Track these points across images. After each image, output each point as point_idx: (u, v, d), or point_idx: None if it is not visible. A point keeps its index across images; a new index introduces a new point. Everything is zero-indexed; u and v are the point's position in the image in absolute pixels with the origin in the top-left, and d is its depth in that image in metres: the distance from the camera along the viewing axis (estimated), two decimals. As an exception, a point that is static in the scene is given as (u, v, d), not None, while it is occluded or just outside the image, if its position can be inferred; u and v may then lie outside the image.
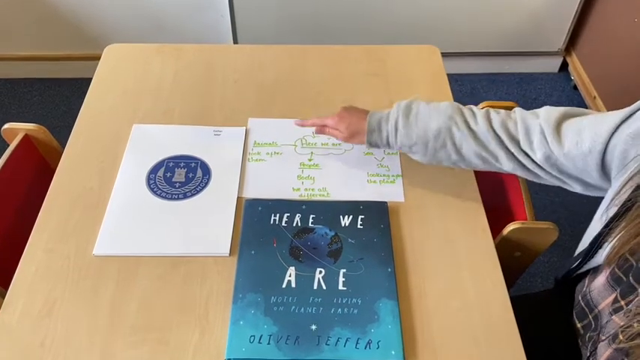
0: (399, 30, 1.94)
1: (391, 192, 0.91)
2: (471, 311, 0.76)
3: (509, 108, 1.08)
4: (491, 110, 0.82)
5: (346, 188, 0.91)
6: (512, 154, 0.79)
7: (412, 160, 0.96)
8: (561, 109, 0.77)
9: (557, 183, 0.81)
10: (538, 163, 0.78)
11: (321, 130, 0.94)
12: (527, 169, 0.80)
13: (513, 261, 0.92)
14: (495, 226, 0.88)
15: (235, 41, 1.93)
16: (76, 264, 0.80)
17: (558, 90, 2.07)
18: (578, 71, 2.02)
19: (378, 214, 0.86)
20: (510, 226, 0.86)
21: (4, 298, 0.77)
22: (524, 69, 2.13)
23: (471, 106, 0.85)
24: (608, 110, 1.99)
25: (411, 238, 0.85)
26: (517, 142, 0.78)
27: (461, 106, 0.84)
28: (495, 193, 1.02)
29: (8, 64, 2.02)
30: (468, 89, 2.06)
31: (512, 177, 0.99)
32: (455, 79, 2.06)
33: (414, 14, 1.90)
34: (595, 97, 1.91)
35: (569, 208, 1.67)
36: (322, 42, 1.21)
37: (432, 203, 0.89)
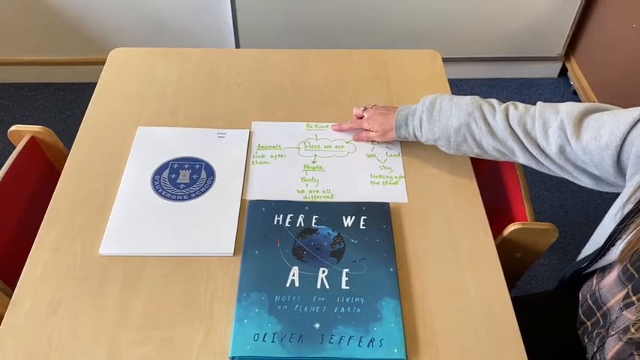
0: (400, 36, 1.96)
1: (394, 193, 0.92)
2: (472, 311, 0.77)
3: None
4: (511, 106, 0.85)
5: (350, 190, 0.92)
6: (527, 149, 0.82)
7: (415, 162, 0.97)
8: (584, 105, 0.78)
9: (566, 176, 0.82)
10: (551, 156, 0.80)
11: (358, 136, 1.00)
12: (541, 163, 0.82)
13: (514, 262, 0.93)
14: (496, 228, 0.89)
15: (237, 46, 1.95)
16: (82, 263, 0.81)
17: (558, 95, 2.08)
18: (577, 76, 2.04)
19: (380, 214, 0.87)
20: (511, 227, 0.87)
21: (10, 297, 0.78)
22: (524, 74, 2.14)
23: (493, 100, 0.87)
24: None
25: (413, 238, 0.86)
26: (532, 138, 0.81)
27: (482, 101, 0.87)
28: (496, 196, 1.03)
29: (13, 69, 2.04)
30: (468, 94, 2.07)
31: (513, 179, 1.00)
32: (455, 84, 2.07)
33: (416, 20, 1.92)
34: (595, 102, 1.93)
35: (569, 211, 1.68)
36: (324, 48, 1.23)
37: (434, 204, 0.90)
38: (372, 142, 1.00)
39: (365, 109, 1.00)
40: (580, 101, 2.03)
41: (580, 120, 0.76)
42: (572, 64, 2.08)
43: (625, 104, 0.84)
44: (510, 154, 0.84)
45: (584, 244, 0.87)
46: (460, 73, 2.10)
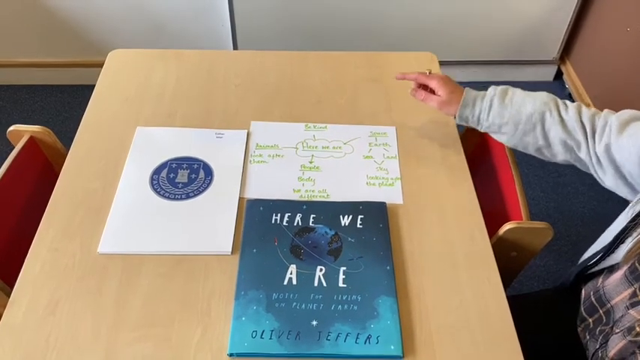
0: (397, 39, 1.97)
1: (390, 194, 0.93)
2: (468, 308, 0.78)
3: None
4: (583, 105, 0.87)
5: (346, 190, 0.93)
6: (588, 145, 0.83)
7: (411, 164, 0.98)
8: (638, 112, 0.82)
9: (607, 182, 0.84)
10: (599, 155, 0.82)
11: (417, 92, 0.98)
12: (593, 164, 0.84)
13: (510, 261, 0.94)
14: (492, 228, 0.90)
15: (235, 48, 1.96)
16: (80, 262, 0.81)
17: (553, 98, 2.10)
18: (572, 79, 2.05)
19: (377, 214, 0.88)
20: (506, 226, 0.88)
21: (9, 296, 0.78)
22: (519, 77, 2.16)
23: (565, 100, 0.89)
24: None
25: (410, 238, 0.86)
26: (594, 134, 0.83)
27: (555, 96, 0.89)
28: (492, 196, 1.03)
29: (11, 71, 2.04)
30: (464, 97, 2.09)
31: (508, 180, 1.01)
32: (452, 87, 2.09)
33: (413, 24, 1.93)
34: (589, 105, 1.94)
35: (564, 213, 1.69)
36: (321, 50, 1.23)
37: (430, 205, 0.91)
38: (429, 103, 0.97)
39: (430, 72, 0.99)
40: (575, 104, 2.05)
41: (628, 122, 0.80)
42: (567, 67, 2.10)
43: (619, 107, 0.86)
44: (576, 147, 0.85)
45: (580, 246, 0.88)
46: (457, 77, 2.09)
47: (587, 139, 0.84)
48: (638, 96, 1.69)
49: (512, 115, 0.88)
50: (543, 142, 0.87)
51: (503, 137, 0.91)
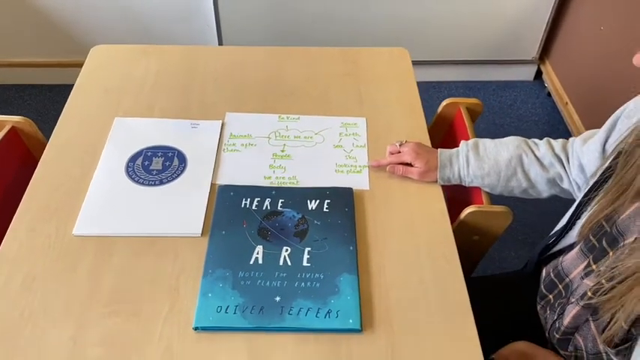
0: (377, 39, 2.01)
1: (357, 181, 0.97)
2: (426, 285, 0.81)
3: (473, 104, 1.14)
4: (551, 139, 0.93)
5: (315, 177, 0.97)
6: (568, 173, 0.89)
7: (379, 152, 1.02)
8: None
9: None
10: (576, 180, 0.88)
11: (395, 168, 0.96)
12: (574, 191, 0.90)
13: (473, 245, 0.97)
14: (455, 212, 0.94)
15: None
16: (56, 243, 0.84)
17: (533, 97, 2.14)
18: (551, 79, 2.10)
19: (343, 198, 0.91)
20: (467, 210, 0.92)
21: (-14, 276, 0.81)
22: (500, 77, 2.20)
23: (533, 139, 0.95)
24: (579, 115, 2.03)
25: (374, 221, 0.90)
26: (570, 161, 0.89)
27: (523, 138, 0.95)
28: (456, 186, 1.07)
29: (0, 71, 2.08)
30: (445, 96, 2.12)
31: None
32: (432, 87, 2.13)
33: (394, 24, 1.98)
34: (567, 103, 1.99)
35: (538, 205, 1.73)
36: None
37: (395, 191, 0.95)
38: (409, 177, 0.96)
39: (401, 144, 0.98)
40: (554, 103, 2.09)
41: (590, 136, 0.87)
42: (546, 66, 2.15)
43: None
44: (559, 179, 0.91)
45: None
46: (438, 76, 2.16)
47: (565, 169, 0.89)
48: (612, 94, 1.73)
49: (492, 166, 0.92)
50: (527, 183, 0.92)
51: (487, 188, 0.95)
